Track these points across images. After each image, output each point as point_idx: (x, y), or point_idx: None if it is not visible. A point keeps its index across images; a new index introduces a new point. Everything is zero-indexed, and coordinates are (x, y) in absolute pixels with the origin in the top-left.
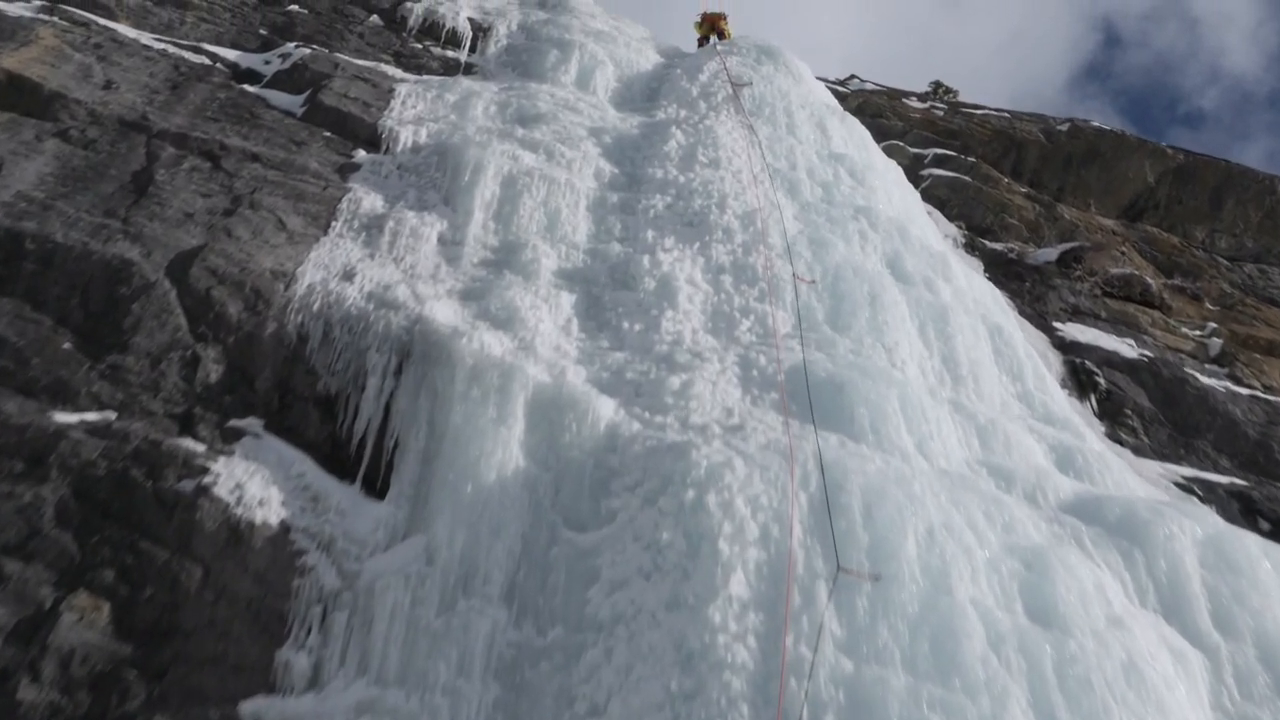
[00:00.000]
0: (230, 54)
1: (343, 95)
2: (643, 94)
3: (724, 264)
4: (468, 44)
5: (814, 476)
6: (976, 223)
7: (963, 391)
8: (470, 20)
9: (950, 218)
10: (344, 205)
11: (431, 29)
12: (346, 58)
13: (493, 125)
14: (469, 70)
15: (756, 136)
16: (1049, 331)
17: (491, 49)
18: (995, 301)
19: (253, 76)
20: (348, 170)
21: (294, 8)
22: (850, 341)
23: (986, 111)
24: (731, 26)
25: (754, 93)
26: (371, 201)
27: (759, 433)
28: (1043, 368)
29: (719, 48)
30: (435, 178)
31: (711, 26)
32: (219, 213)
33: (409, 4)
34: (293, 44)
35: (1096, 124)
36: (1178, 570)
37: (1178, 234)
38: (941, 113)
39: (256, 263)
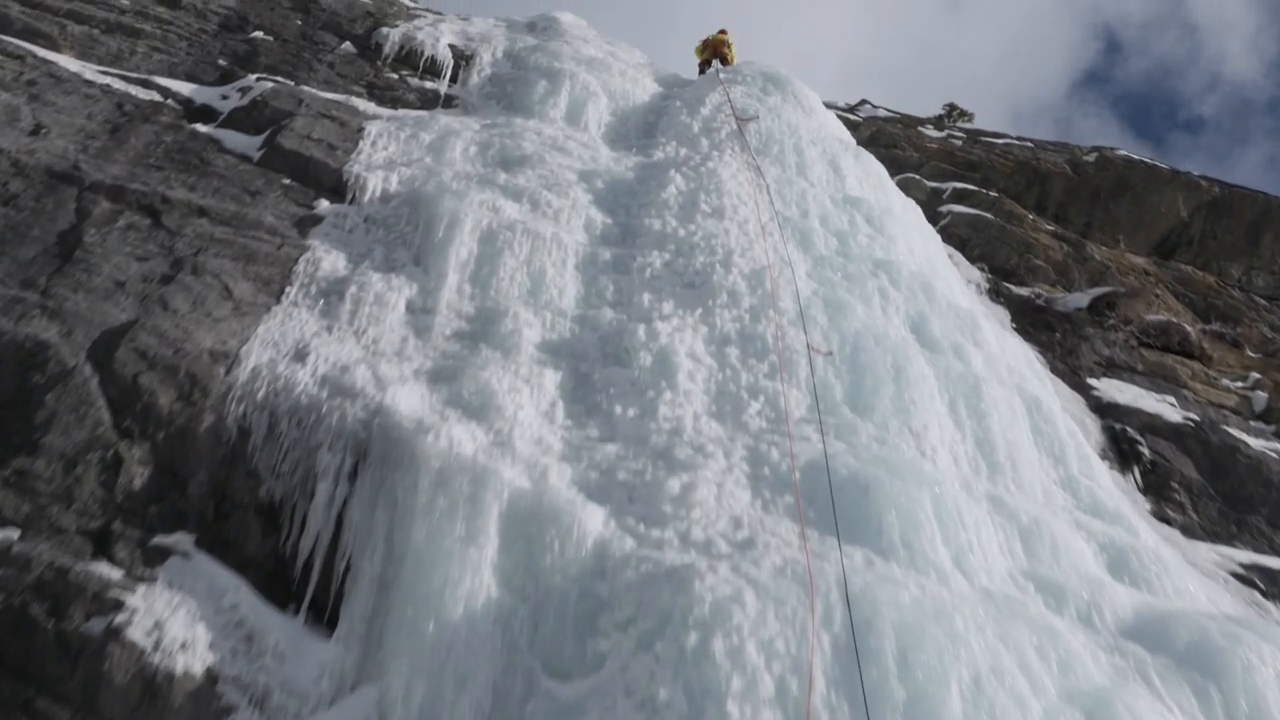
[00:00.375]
0: (184, 88)
1: (305, 137)
2: (639, 129)
3: (729, 334)
4: (448, 74)
5: (838, 611)
6: (1000, 264)
7: (1000, 481)
8: (451, 48)
9: (972, 258)
10: (301, 267)
11: (409, 57)
12: (314, 91)
13: (472, 170)
14: (449, 103)
15: (764, 179)
16: (1084, 391)
17: (474, 79)
18: (1030, 366)
19: (208, 114)
20: (308, 224)
21: (258, 35)
22: (873, 426)
23: (1008, 141)
24: (735, 51)
25: (760, 127)
26: (333, 262)
27: (773, 550)
28: (1086, 447)
29: (722, 75)
30: (406, 232)
31: (714, 52)
32: (155, 279)
33: (385, 30)
34: (254, 76)
35: (1124, 153)
36: (1261, 711)
37: (1213, 271)
38: (960, 143)
39: (195, 341)
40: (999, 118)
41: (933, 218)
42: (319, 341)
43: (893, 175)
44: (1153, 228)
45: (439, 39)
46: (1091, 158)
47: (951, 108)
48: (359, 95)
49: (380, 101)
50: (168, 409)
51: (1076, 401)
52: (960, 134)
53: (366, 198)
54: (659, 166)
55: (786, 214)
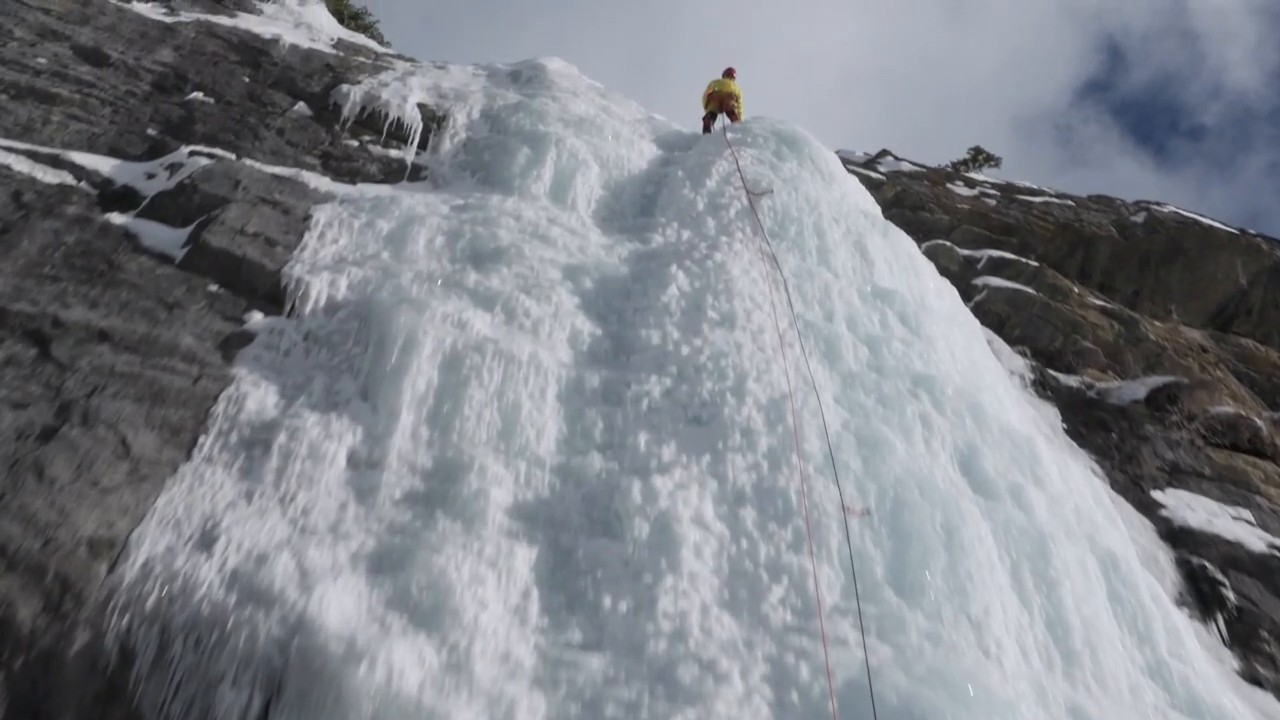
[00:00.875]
0: (104, 164)
1: (238, 231)
2: (635, 204)
3: (744, 488)
4: (416, 138)
5: None
6: (1044, 346)
7: (1079, 678)
8: (421, 108)
9: (1012, 339)
10: (221, 407)
11: (371, 120)
12: (257, 166)
13: (438, 268)
14: (416, 174)
15: (780, 272)
16: (1151, 511)
17: (446, 145)
18: (1098, 503)
19: (128, 199)
20: (235, 345)
21: (197, 96)
22: (924, 616)
23: (1047, 200)
24: (744, 105)
25: (775, 203)
26: (261, 399)
27: None
28: (1172, 612)
29: (729, 134)
30: (354, 354)
31: (720, 104)
32: (33, 435)
33: (345, 88)
34: (187, 150)
35: (1173, 209)
36: None
37: (1275, 344)
38: (994, 202)
39: (72, 526)
40: (1000, 126)
41: (967, 292)
42: (234, 517)
43: (921, 241)
44: (1208, 296)
45: (407, 97)
46: (1139, 218)
47: (977, 151)
48: (311, 168)
49: (336, 175)
50: (29, 626)
51: (1144, 528)
52: (993, 190)
53: (308, 308)
54: (658, 258)
55: (808, 317)
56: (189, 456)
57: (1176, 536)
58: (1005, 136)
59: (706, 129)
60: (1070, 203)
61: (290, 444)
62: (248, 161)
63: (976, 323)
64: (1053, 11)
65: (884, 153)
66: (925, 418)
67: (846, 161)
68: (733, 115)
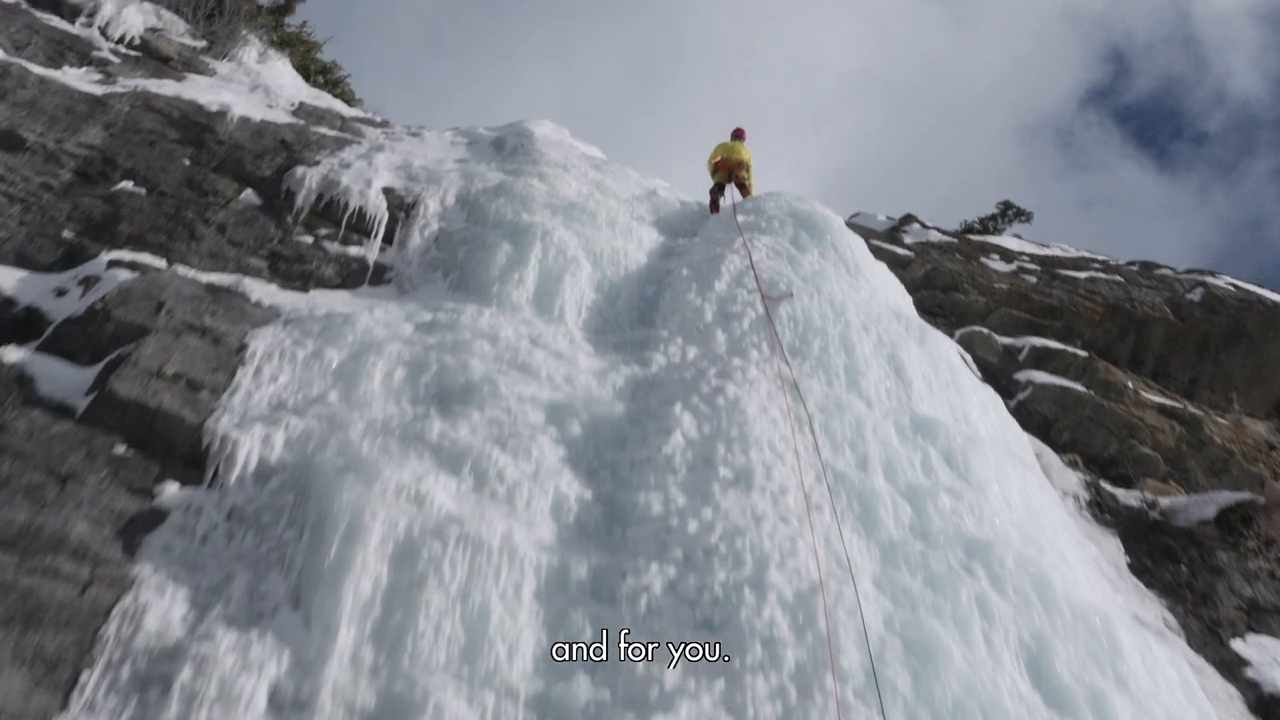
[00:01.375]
0: (7, 278)
1: (154, 374)
2: (633, 310)
3: None
4: (380, 230)
5: None
6: (1096, 452)
7: None
8: (387, 193)
9: (1060, 444)
10: (113, 627)
11: (329, 210)
12: (189, 275)
13: (395, 413)
14: (380, 276)
15: (804, 406)
16: (1235, 674)
17: (415, 239)
18: (1190, 698)
19: (31, 324)
20: (140, 530)
21: (126, 186)
22: None
23: (1093, 275)
24: (754, 175)
25: (796, 309)
26: (165, 612)
27: None
28: None
29: (740, 216)
30: (286, 541)
31: (729, 173)
32: None
33: (300, 171)
34: (108, 254)
35: (1230, 281)
36: None
37: None
38: (1034, 279)
39: None
40: (1002, 132)
41: (1008, 387)
42: None
43: (956, 328)
44: (1273, 383)
45: (371, 181)
46: (1195, 294)
47: (1006, 206)
48: (256, 272)
49: (286, 279)
50: None
51: (1231, 700)
52: (1032, 264)
53: (235, 474)
54: (660, 388)
55: (839, 465)
56: (64, 705)
57: (1268, 708)
58: (1007, 142)
59: (714, 206)
60: (1118, 277)
61: (196, 682)
62: (180, 269)
63: (1026, 441)
64: (1056, 20)
65: (909, 219)
66: (983, 603)
67: (869, 234)
68: (743, 188)
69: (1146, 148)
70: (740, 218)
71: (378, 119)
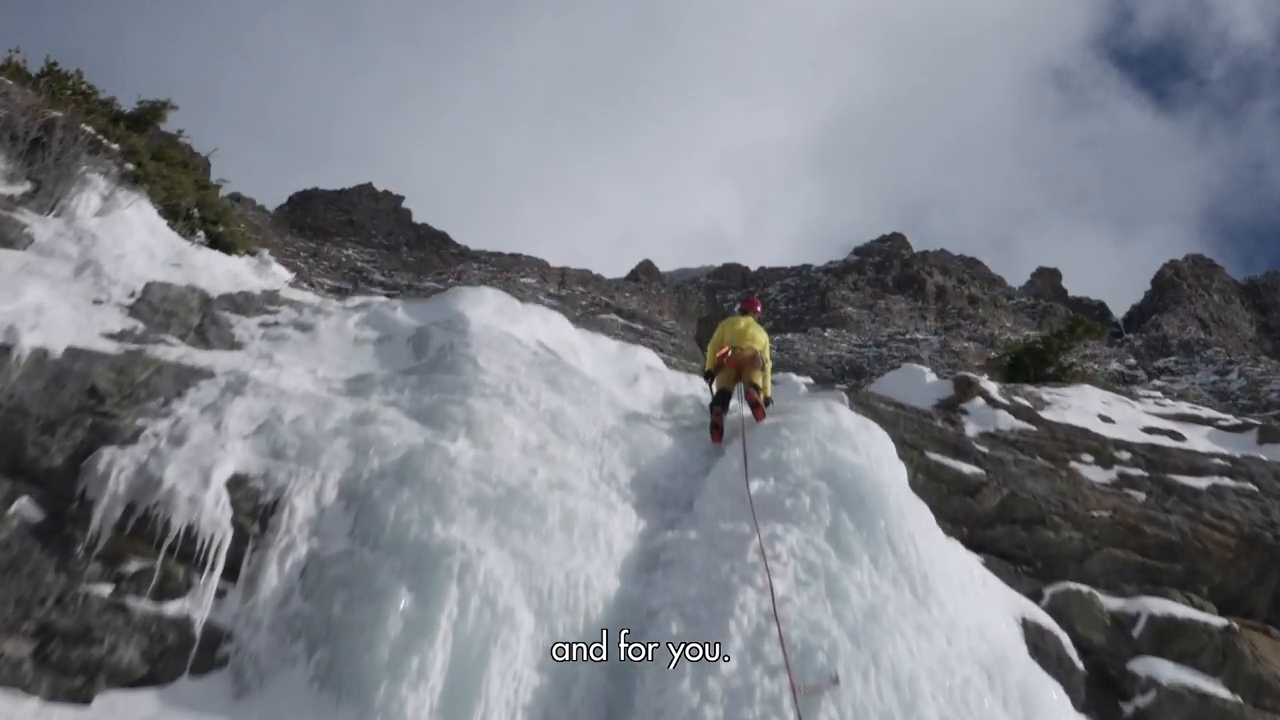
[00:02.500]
0: None
1: None
2: (596, 710)
3: None
4: (219, 561)
5: None
6: None
7: None
8: (235, 488)
9: None
10: None
11: (143, 528)
12: None
13: None
14: (209, 657)
15: None
16: None
17: (270, 576)
18: None
19: None
20: None
21: None
22: None
23: (1218, 484)
24: (769, 371)
25: (844, 704)
26: None
27: None
28: None
29: (753, 473)
30: None
31: (737, 375)
32: None
33: (106, 456)
34: None
35: None
36: None
37: None
38: (1143, 493)
39: None
40: (1004, 75)
41: (1119, 685)
42: None
43: (1047, 582)
44: None
45: (213, 467)
46: None
47: (1075, 323)
48: (15, 667)
49: (60, 674)
50: None
51: None
52: (1136, 467)
53: None
54: None
55: None
56: None
57: None
58: (1010, 87)
59: (716, 430)
60: (1250, 485)
61: None
62: None
63: None
64: None
65: (967, 384)
66: None
67: (920, 417)
68: (756, 406)
69: (1145, 88)
70: (755, 485)
71: (266, 278)
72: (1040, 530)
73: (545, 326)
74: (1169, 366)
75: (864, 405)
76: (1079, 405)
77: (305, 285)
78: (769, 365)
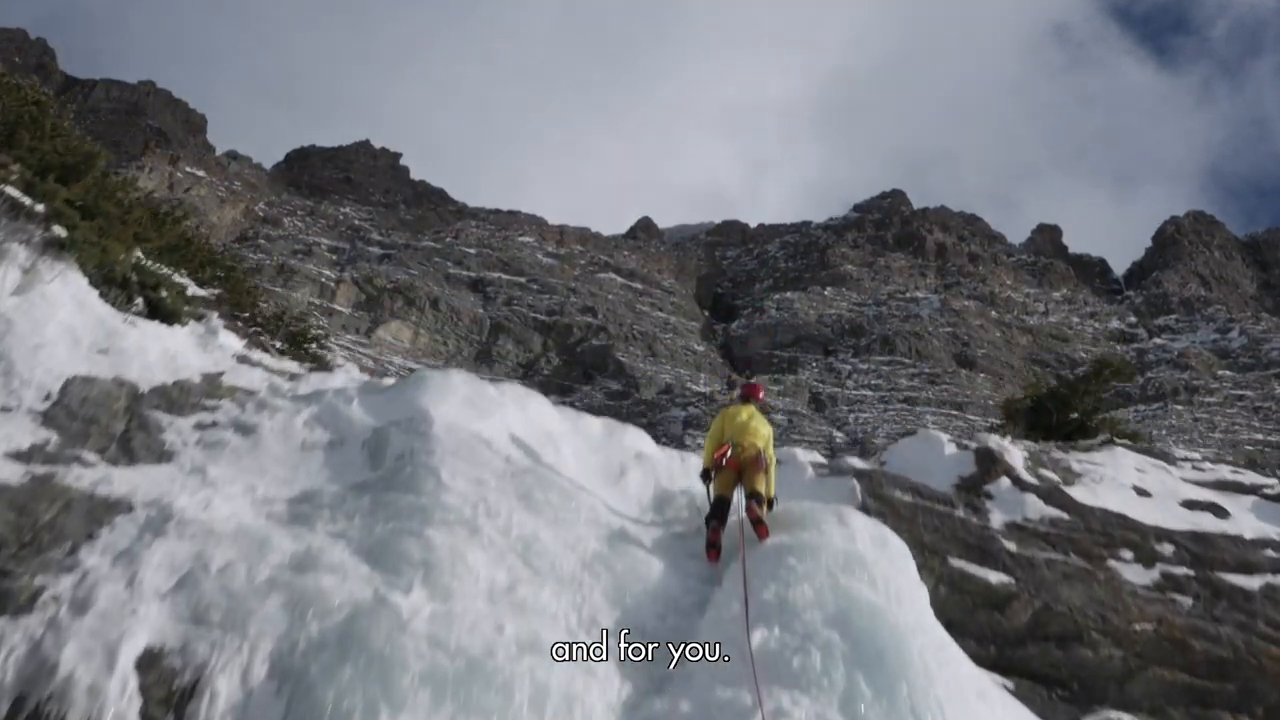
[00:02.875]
0: None
1: None
2: None
3: None
4: None
5: None
6: None
7: None
8: (146, 668)
9: None
10: None
11: None
12: None
13: None
14: None
15: None
16: None
17: None
18: None
19: None
20: None
21: None
22: None
23: (1271, 584)
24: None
25: None
26: None
27: None
28: None
29: (755, 620)
30: None
31: (737, 477)
32: None
33: None
34: None
35: None
36: None
37: None
38: (1189, 598)
39: None
40: (1002, 36)
41: None
42: None
43: (1083, 712)
44: None
45: (120, 641)
46: None
47: (1101, 365)
48: None
49: None
50: None
51: None
52: (1181, 564)
53: None
54: None
55: None
56: None
57: None
58: (1009, 52)
59: (712, 548)
60: None
61: None
62: None
63: None
64: None
65: (991, 460)
66: None
67: (937, 501)
68: (756, 520)
69: (1145, 43)
70: (757, 636)
71: (212, 351)
72: (1077, 648)
73: (521, 415)
74: (1169, 325)
75: (878, 497)
76: (1112, 476)
77: (258, 351)
78: (773, 464)
